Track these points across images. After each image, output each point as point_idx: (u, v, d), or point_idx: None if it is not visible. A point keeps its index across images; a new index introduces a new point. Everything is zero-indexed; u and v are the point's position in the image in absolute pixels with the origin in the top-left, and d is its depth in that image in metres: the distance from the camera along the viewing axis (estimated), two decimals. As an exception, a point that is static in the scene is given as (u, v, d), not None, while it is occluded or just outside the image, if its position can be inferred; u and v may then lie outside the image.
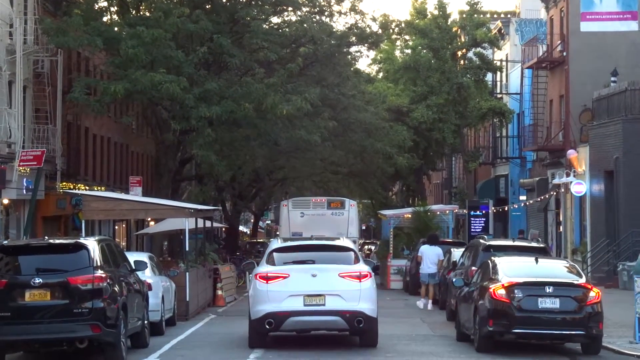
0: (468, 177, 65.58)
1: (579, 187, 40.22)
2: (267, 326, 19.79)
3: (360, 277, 19.88)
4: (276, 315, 19.62)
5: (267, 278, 19.91)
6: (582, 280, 19.80)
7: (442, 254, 31.82)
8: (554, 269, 20.50)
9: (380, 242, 54.37)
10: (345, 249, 20.78)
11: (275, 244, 21.49)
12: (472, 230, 49.85)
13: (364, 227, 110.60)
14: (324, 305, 19.68)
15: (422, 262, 31.97)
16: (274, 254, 20.58)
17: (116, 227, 50.83)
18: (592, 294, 19.31)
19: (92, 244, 17.93)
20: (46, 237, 23.20)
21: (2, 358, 18.18)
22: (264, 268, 20.30)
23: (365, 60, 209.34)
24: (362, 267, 20.24)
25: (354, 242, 32.75)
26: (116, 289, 17.97)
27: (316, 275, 19.84)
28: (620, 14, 37.18)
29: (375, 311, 20.07)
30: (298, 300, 19.67)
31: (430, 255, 31.65)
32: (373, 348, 20.26)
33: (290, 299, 19.66)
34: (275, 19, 43.02)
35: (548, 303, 19.07)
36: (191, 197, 47.27)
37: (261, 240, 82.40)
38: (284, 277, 19.87)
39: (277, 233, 52.50)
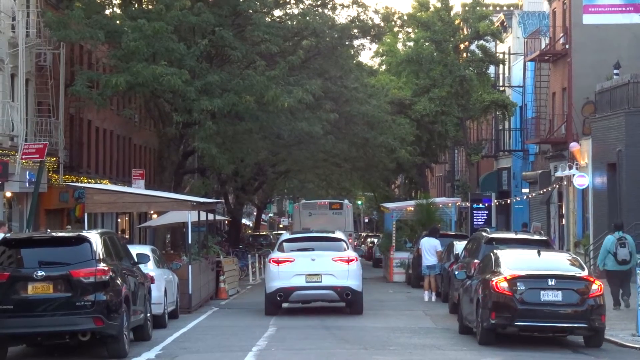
0: (470, 169, 65.50)
1: (582, 180, 40.18)
2: (277, 298, 25.58)
3: (348, 261, 25.50)
4: (284, 289, 25.38)
5: (278, 261, 25.60)
6: (585, 273, 19.78)
7: (439, 245, 32.16)
8: (556, 262, 20.47)
9: (383, 235, 54.33)
10: (338, 240, 26.55)
11: (285, 236, 27.99)
12: (475, 223, 49.75)
13: (366, 220, 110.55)
14: (320, 282, 25.30)
15: (422, 255, 32.35)
16: (284, 243, 26.53)
17: (119, 220, 50.85)
18: (594, 286, 19.30)
19: (94, 237, 17.94)
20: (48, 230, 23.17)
21: (5, 351, 18.17)
22: (275, 254, 26.17)
23: (367, 53, 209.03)
24: (350, 253, 26.00)
25: (350, 235, 46.31)
26: (119, 281, 17.98)
27: (315, 260, 25.52)
28: (622, 6, 36.92)
29: (360, 286, 25.67)
30: (301, 278, 25.33)
31: (428, 248, 32.10)
32: (360, 315, 25.42)
33: (295, 277, 25.34)
34: (277, 12, 42.95)
35: (550, 296, 19.07)
36: (194, 190, 47.23)
37: (264, 232, 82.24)
38: (291, 261, 25.55)
39: (282, 226, 62.63)
